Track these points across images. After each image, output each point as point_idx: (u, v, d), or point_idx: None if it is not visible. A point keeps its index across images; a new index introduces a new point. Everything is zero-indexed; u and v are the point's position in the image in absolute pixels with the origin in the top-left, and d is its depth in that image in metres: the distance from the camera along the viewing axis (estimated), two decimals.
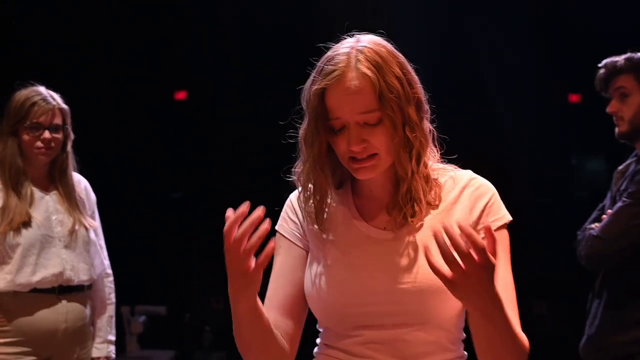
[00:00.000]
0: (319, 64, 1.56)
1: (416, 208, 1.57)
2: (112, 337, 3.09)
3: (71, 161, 2.98)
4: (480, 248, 1.29)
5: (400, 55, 1.57)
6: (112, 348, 3.08)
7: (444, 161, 1.66)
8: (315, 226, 1.62)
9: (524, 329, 1.47)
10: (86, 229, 2.95)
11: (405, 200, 1.58)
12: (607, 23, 5.62)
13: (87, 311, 2.97)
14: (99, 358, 3.03)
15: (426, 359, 1.56)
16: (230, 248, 1.41)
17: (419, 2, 5.80)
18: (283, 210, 1.70)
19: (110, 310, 3.09)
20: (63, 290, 2.85)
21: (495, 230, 1.49)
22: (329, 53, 1.56)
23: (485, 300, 1.35)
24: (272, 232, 1.46)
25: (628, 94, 2.77)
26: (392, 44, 1.58)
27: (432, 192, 1.60)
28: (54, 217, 2.88)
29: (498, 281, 1.38)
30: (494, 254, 1.31)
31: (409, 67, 1.57)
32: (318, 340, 1.69)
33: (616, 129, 2.83)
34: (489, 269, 1.31)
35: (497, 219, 1.57)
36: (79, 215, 2.93)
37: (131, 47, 6.01)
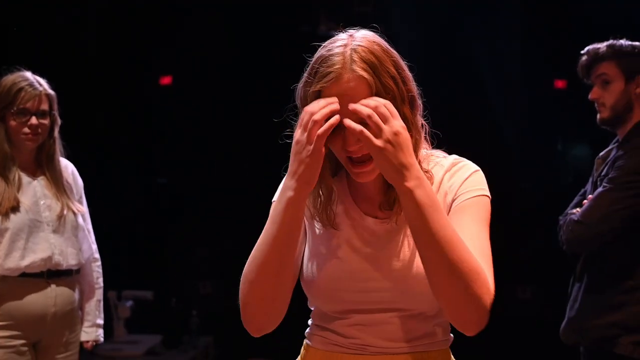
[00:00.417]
0: (312, 64, 1.55)
1: (389, 200, 1.60)
2: (101, 321, 3.12)
3: (58, 146, 2.99)
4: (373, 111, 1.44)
5: (394, 51, 1.57)
6: (101, 332, 3.11)
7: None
8: (326, 225, 1.64)
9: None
10: (74, 213, 2.97)
11: (396, 195, 1.56)
12: (593, 9, 5.64)
13: (76, 295, 2.99)
14: (87, 342, 3.07)
15: (414, 342, 1.60)
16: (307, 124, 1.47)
17: None
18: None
19: (98, 294, 3.12)
20: (52, 274, 2.87)
21: (470, 198, 1.57)
22: (323, 52, 1.54)
23: (402, 163, 1.43)
24: None
25: (610, 80, 2.80)
26: (385, 39, 1.58)
27: None
28: (42, 202, 2.90)
29: (464, 231, 1.49)
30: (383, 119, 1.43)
31: (403, 64, 1.57)
32: (310, 321, 1.72)
33: (598, 116, 2.86)
34: (392, 129, 1.43)
35: (473, 190, 1.59)
36: (67, 200, 2.95)
37: (116, 31, 5.98)
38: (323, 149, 1.47)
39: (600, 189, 2.74)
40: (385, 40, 1.58)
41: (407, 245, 1.58)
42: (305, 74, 1.57)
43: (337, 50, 1.52)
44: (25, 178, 2.90)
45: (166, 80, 6.50)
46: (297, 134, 1.49)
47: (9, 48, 4.84)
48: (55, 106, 2.96)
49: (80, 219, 3.00)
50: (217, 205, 5.89)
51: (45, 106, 2.90)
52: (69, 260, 2.91)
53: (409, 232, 1.55)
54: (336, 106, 1.47)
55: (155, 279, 5.97)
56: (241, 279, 1.55)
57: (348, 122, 1.46)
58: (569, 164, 6.63)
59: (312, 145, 1.46)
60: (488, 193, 1.61)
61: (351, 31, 1.57)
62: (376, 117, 1.44)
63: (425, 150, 1.65)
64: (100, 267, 3.15)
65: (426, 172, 1.59)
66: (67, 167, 3.06)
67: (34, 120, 2.86)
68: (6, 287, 2.80)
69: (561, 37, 5.81)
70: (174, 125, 6.29)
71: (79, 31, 5.84)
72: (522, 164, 6.33)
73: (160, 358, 5.40)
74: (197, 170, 6.15)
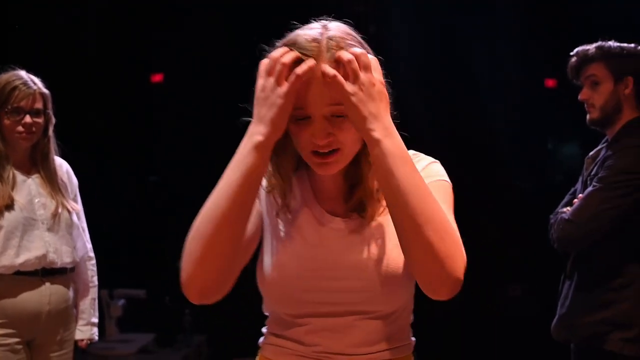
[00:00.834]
0: (284, 44, 1.47)
1: (370, 201, 1.54)
2: (95, 320, 3.14)
3: (53, 145, 3.00)
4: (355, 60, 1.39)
5: (366, 45, 1.52)
6: (95, 330, 3.13)
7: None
8: (279, 200, 1.57)
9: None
10: (69, 212, 2.98)
11: (360, 194, 1.54)
12: (585, 8, 5.66)
13: (70, 293, 3.01)
14: (82, 340, 3.09)
15: (375, 346, 1.54)
16: (268, 69, 1.42)
17: None
18: None
19: (93, 292, 3.14)
20: (46, 272, 2.89)
21: (430, 182, 1.48)
22: (297, 36, 1.46)
23: (372, 112, 1.38)
24: None
25: (599, 81, 2.83)
26: (356, 31, 1.52)
27: None
28: (36, 200, 2.91)
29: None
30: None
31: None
32: (264, 330, 1.65)
33: (587, 116, 2.89)
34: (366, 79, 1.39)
35: (432, 176, 1.54)
36: (62, 199, 2.97)
37: (107, 29, 5.96)
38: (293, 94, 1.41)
39: (590, 189, 2.76)
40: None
41: (373, 245, 1.52)
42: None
43: (313, 34, 1.45)
44: (19, 176, 2.91)
45: (157, 77, 6.51)
46: (261, 81, 1.42)
47: (0, 46, 4.84)
48: (50, 105, 2.97)
49: (74, 217, 3.02)
50: None
51: (39, 105, 2.91)
52: (63, 258, 2.93)
53: (375, 231, 1.53)
54: (296, 54, 1.41)
55: (148, 277, 5.96)
56: (190, 234, 1.42)
57: (325, 66, 1.40)
58: (559, 162, 6.66)
59: (286, 87, 1.39)
60: (448, 180, 1.56)
61: (324, 22, 1.51)
62: (355, 65, 1.39)
63: None
64: (95, 265, 3.17)
65: None
66: (62, 166, 3.07)
67: (28, 119, 2.87)
68: (1, 285, 2.81)
69: (551, 36, 5.82)
70: (167, 123, 6.27)
71: (72, 29, 5.81)
72: (513, 163, 6.34)
73: (153, 356, 5.40)
74: (190, 169, 6.12)
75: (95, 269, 3.16)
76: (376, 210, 1.54)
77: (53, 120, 2.99)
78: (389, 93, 1.48)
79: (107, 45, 5.98)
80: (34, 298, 2.86)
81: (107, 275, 4.04)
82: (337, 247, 1.53)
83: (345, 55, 1.40)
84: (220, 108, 6.18)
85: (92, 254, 3.16)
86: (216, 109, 6.15)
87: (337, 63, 1.41)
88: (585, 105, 2.89)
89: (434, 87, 5.82)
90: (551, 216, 2.92)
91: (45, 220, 2.91)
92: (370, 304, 1.52)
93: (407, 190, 1.36)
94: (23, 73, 2.93)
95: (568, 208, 2.83)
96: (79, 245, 3.03)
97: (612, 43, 2.85)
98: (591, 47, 2.86)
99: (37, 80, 2.95)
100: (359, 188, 1.54)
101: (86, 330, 3.09)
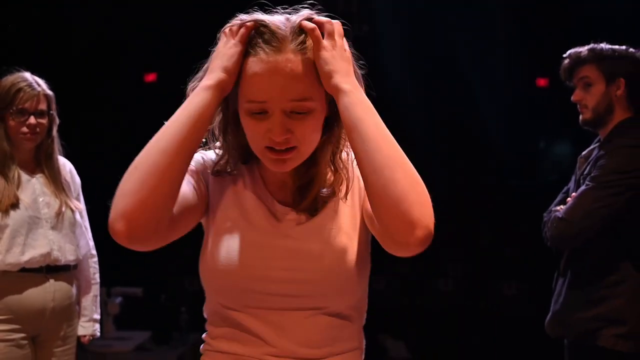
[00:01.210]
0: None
1: (321, 195, 1.51)
2: (97, 316, 3.18)
3: (57, 145, 3.04)
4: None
5: None
6: (97, 326, 3.17)
7: None
8: (216, 169, 1.53)
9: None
10: (72, 211, 3.02)
11: (312, 188, 1.51)
12: (576, 7, 5.70)
13: (74, 290, 3.05)
14: (84, 336, 3.13)
15: (325, 348, 1.49)
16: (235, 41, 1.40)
17: None
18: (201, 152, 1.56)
19: (95, 289, 3.18)
20: (50, 269, 2.93)
21: None
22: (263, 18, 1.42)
23: (343, 68, 1.38)
24: None
25: (591, 83, 2.86)
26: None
27: (339, 182, 1.52)
28: (40, 200, 2.95)
29: None
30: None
31: None
32: (205, 335, 1.58)
33: (580, 117, 2.92)
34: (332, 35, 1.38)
35: None
36: (65, 198, 3.00)
37: (101, 28, 5.97)
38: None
39: (582, 187, 2.79)
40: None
41: (326, 236, 1.48)
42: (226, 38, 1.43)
43: (278, 22, 1.41)
44: (24, 176, 2.95)
45: (151, 77, 6.53)
46: (220, 43, 1.43)
47: None
48: (54, 106, 3.00)
49: (77, 216, 3.05)
50: None
51: (43, 106, 2.95)
52: (67, 256, 2.97)
53: (327, 222, 1.49)
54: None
55: (144, 275, 5.98)
56: (128, 169, 1.34)
57: (305, 22, 1.39)
58: (552, 162, 6.68)
59: (238, 36, 1.39)
60: None
61: (290, 10, 1.46)
62: (318, 32, 1.39)
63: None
64: (97, 263, 3.21)
65: (342, 168, 1.52)
66: (65, 165, 3.11)
67: (32, 119, 2.91)
68: (6, 282, 2.85)
69: (543, 35, 5.86)
70: (160, 123, 6.29)
71: (65, 29, 5.83)
72: (506, 162, 6.38)
73: (150, 354, 5.42)
74: None
75: (97, 266, 3.20)
76: (327, 202, 1.51)
77: (57, 120, 3.03)
78: (361, 72, 1.47)
79: (101, 45, 5.98)
80: (38, 295, 2.90)
81: (104, 274, 4.08)
82: (289, 237, 1.48)
83: (309, 24, 1.39)
84: None
85: (94, 252, 3.19)
86: None
87: (299, 53, 1.38)
88: (578, 106, 2.92)
89: (425, 88, 5.84)
90: (545, 214, 2.94)
91: (49, 219, 2.94)
92: (322, 298, 1.47)
93: (378, 137, 1.33)
94: (28, 75, 2.96)
95: (561, 206, 2.86)
96: (81, 243, 3.06)
97: (604, 45, 2.88)
98: (583, 49, 2.89)
99: (41, 81, 2.98)
100: (312, 188, 1.50)
101: (88, 326, 3.13)
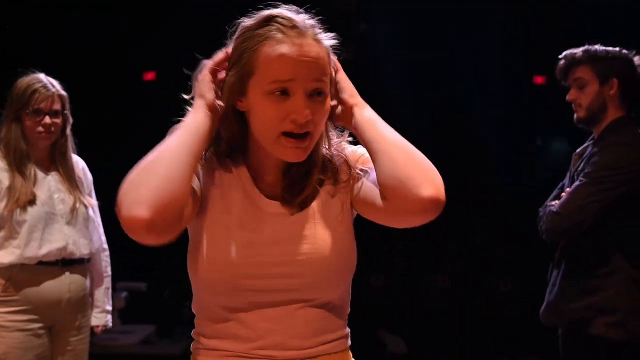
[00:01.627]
0: (258, 22, 1.46)
1: (310, 184, 1.53)
2: (109, 307, 3.27)
3: (70, 144, 3.13)
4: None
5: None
6: (109, 317, 3.27)
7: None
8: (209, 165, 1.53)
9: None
10: (85, 206, 3.11)
11: (302, 178, 1.53)
12: (573, 6, 5.74)
13: (87, 282, 3.14)
14: (97, 327, 3.23)
15: (315, 338, 1.50)
16: (206, 72, 1.51)
17: None
18: None
19: (107, 282, 3.27)
20: (66, 262, 3.02)
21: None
22: (271, 13, 1.46)
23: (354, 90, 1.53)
24: None
25: (585, 83, 2.92)
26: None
27: (328, 170, 1.56)
28: (56, 196, 3.04)
29: None
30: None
31: None
32: (194, 332, 1.57)
33: (575, 115, 2.98)
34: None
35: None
36: (79, 194, 3.09)
37: (100, 27, 6.02)
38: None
39: (576, 183, 2.85)
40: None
41: (314, 229, 1.50)
42: (245, 30, 1.48)
43: (291, 14, 1.46)
44: (40, 173, 3.04)
45: (150, 75, 6.59)
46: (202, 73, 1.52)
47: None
48: (67, 106, 3.09)
49: (90, 212, 3.14)
50: None
51: (57, 106, 3.04)
52: (81, 249, 3.06)
53: (315, 215, 1.51)
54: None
55: (148, 271, 6.07)
56: (147, 162, 1.37)
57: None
58: (548, 159, 6.73)
59: (210, 64, 1.51)
60: None
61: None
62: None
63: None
64: (109, 256, 3.29)
65: (330, 158, 1.57)
66: (78, 163, 3.19)
67: (47, 119, 3.00)
68: (25, 275, 2.94)
69: (540, 33, 5.89)
70: (159, 121, 6.29)
71: (64, 28, 5.86)
72: (503, 159, 6.41)
73: (154, 347, 5.50)
74: None
75: (108, 260, 3.28)
76: (313, 191, 1.53)
77: (70, 120, 3.11)
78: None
79: (100, 44, 6.01)
80: (55, 286, 2.99)
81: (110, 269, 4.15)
82: (277, 232, 1.49)
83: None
84: None
85: (106, 246, 3.28)
86: None
87: (318, 41, 1.44)
88: (573, 105, 2.98)
89: (422, 85, 5.88)
90: (540, 209, 3.00)
91: (64, 215, 3.03)
92: (311, 290, 1.48)
93: (395, 137, 1.48)
94: (42, 76, 3.05)
95: (556, 201, 2.92)
96: (94, 237, 3.15)
97: (597, 47, 2.94)
98: (578, 51, 2.95)
99: (55, 82, 3.07)
100: (306, 183, 1.52)
101: (101, 317, 3.22)
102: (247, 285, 1.45)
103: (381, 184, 1.45)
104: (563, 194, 2.93)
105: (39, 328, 2.98)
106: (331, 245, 1.49)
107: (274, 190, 1.53)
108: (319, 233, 1.50)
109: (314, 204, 1.53)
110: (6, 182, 2.94)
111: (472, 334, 5.72)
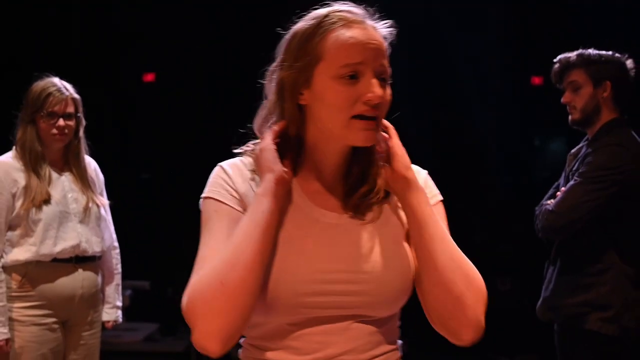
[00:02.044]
0: (317, 18, 1.44)
1: (370, 190, 1.49)
2: (120, 303, 3.36)
3: (83, 145, 3.23)
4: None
5: None
6: (120, 313, 3.36)
7: None
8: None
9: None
10: (97, 206, 3.20)
11: (361, 182, 1.49)
12: (571, 6, 5.79)
13: (99, 279, 3.24)
14: (108, 322, 3.32)
15: (370, 351, 1.45)
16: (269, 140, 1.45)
17: None
18: (213, 179, 1.50)
19: (117, 279, 3.36)
20: (79, 260, 3.11)
21: (434, 204, 1.51)
22: (336, 7, 1.46)
23: (406, 174, 1.45)
24: None
25: (579, 86, 3.00)
26: None
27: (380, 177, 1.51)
28: (69, 196, 3.13)
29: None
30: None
31: None
32: (242, 341, 1.51)
33: (569, 117, 3.06)
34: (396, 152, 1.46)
35: (433, 196, 1.53)
36: (91, 194, 3.19)
37: (99, 28, 6.05)
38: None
39: (571, 183, 2.92)
40: None
41: (371, 243, 1.45)
42: (307, 23, 1.44)
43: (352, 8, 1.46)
44: (54, 174, 3.13)
45: (149, 77, 6.56)
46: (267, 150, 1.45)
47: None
48: (81, 109, 3.19)
49: (102, 211, 3.24)
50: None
51: (71, 109, 3.14)
52: (93, 247, 3.15)
53: (371, 228, 1.47)
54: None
55: (151, 270, 6.10)
56: (214, 284, 1.32)
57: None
58: (546, 159, 6.75)
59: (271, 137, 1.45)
60: (439, 193, 1.56)
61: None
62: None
63: None
64: (119, 254, 3.38)
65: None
66: (90, 164, 3.29)
67: (61, 122, 3.10)
68: (40, 271, 3.04)
69: (538, 33, 5.90)
70: (158, 122, 6.30)
71: (63, 29, 5.91)
72: (501, 159, 6.44)
73: (158, 345, 5.59)
74: (182, 167, 6.16)
75: (119, 257, 3.37)
76: (375, 212, 1.49)
77: (83, 122, 3.21)
78: None
79: (100, 45, 6.04)
80: (68, 283, 3.08)
81: None
82: (329, 252, 1.43)
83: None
84: (211, 107, 6.31)
85: (116, 244, 3.37)
86: (207, 108, 6.27)
87: (377, 29, 1.44)
88: (568, 107, 3.06)
89: (421, 86, 5.90)
90: (536, 208, 3.06)
91: (77, 214, 3.13)
92: (371, 309, 1.44)
93: (444, 238, 1.45)
94: (56, 80, 3.15)
95: (552, 200, 2.98)
96: (106, 235, 3.24)
97: (591, 51, 3.02)
98: (572, 55, 3.03)
99: (69, 86, 3.17)
100: (364, 186, 1.49)
101: (112, 312, 3.31)
102: (308, 303, 1.40)
103: (423, 290, 1.46)
104: (558, 193, 2.99)
105: (54, 323, 3.08)
106: (394, 264, 1.46)
107: (329, 201, 1.48)
108: (378, 248, 1.45)
109: (377, 217, 1.49)
110: (22, 182, 3.04)
111: None
